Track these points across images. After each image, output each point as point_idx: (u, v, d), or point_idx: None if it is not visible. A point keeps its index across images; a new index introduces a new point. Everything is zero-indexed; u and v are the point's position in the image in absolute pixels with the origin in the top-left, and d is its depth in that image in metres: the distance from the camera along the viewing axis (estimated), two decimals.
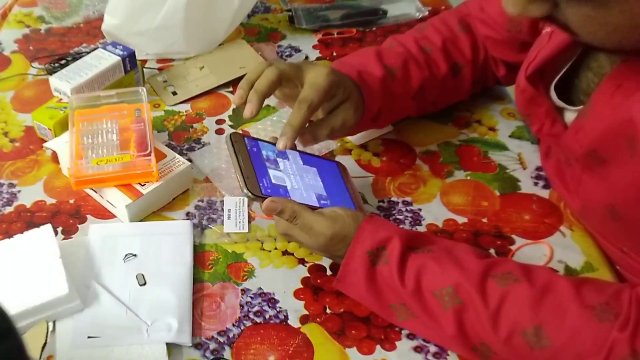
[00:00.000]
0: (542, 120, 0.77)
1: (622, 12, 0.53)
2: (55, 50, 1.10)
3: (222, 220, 0.80)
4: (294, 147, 0.80)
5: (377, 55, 0.86)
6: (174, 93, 1.01)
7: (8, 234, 0.78)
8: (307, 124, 0.75)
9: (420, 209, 0.83)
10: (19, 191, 0.85)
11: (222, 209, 0.82)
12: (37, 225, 0.75)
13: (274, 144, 0.76)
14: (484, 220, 0.82)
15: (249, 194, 0.68)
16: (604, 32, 0.57)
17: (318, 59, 1.08)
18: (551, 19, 0.58)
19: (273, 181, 0.72)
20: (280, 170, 0.74)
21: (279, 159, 0.75)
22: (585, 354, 0.59)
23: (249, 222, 0.80)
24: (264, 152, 0.74)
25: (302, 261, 0.76)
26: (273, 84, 0.74)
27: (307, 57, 1.09)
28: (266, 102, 0.99)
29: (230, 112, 0.98)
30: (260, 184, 0.70)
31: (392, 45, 0.89)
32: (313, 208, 0.72)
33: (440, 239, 0.71)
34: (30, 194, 0.84)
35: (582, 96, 0.74)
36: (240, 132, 0.77)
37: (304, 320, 0.70)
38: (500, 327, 0.61)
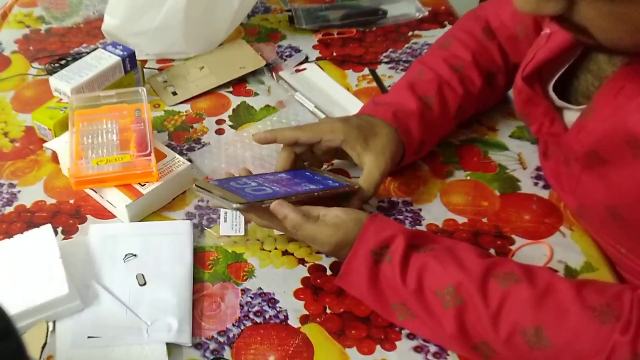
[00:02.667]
0: (540, 120, 0.77)
1: None
2: (55, 50, 1.10)
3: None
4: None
5: (410, 88, 0.85)
6: (174, 93, 1.01)
7: (8, 234, 0.78)
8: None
9: (420, 209, 0.83)
10: (19, 191, 0.85)
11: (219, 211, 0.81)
12: (37, 225, 0.75)
13: (237, 177, 0.77)
14: (484, 220, 0.82)
15: (239, 206, 0.68)
16: (623, 31, 0.54)
17: (318, 59, 1.08)
18: (564, 18, 0.56)
19: (254, 193, 0.71)
20: (254, 186, 0.73)
21: (249, 181, 0.75)
22: (585, 355, 0.59)
23: (245, 225, 0.80)
24: (232, 183, 0.74)
25: (302, 261, 0.76)
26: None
27: (307, 57, 1.09)
28: (266, 101, 1.00)
29: (230, 112, 0.98)
30: (243, 195, 0.70)
31: (421, 72, 0.88)
32: (308, 197, 0.72)
33: (443, 238, 0.71)
34: (30, 194, 0.84)
35: (581, 98, 0.74)
36: (203, 179, 0.78)
37: (304, 320, 0.70)
38: (501, 327, 0.61)
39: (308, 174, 0.80)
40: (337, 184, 0.77)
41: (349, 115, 0.83)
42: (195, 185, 0.73)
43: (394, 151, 0.79)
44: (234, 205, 0.68)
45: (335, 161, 0.88)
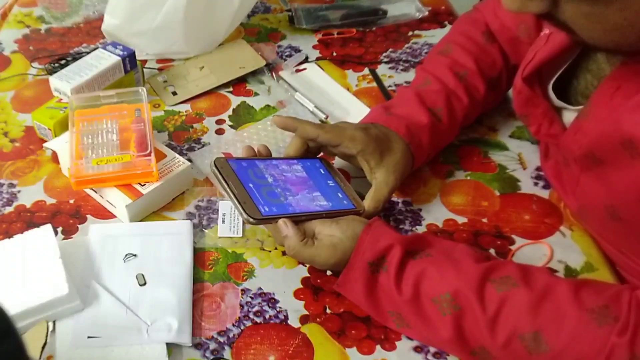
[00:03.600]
0: (539, 121, 0.77)
1: (621, 9, 0.53)
2: (55, 50, 1.10)
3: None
4: (269, 155, 0.80)
5: (419, 98, 0.85)
6: (174, 93, 1.01)
7: (8, 234, 0.78)
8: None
9: (420, 209, 0.83)
10: (19, 191, 0.85)
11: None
12: (37, 225, 0.75)
13: (254, 159, 0.76)
14: (484, 220, 0.82)
15: (251, 220, 0.68)
16: (602, 31, 0.56)
17: (318, 59, 1.08)
18: (549, 16, 0.58)
19: (269, 200, 0.71)
20: (270, 185, 0.73)
21: (266, 174, 0.75)
22: (584, 358, 0.59)
23: (243, 226, 0.80)
24: (249, 171, 0.73)
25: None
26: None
27: (307, 57, 1.09)
28: (266, 101, 1.00)
29: (230, 112, 0.98)
30: (259, 207, 0.69)
31: (427, 81, 0.88)
32: (312, 216, 0.72)
33: (440, 240, 0.71)
34: (30, 194, 0.84)
35: (580, 98, 0.74)
36: (222, 155, 0.76)
37: (304, 320, 0.70)
38: (499, 332, 0.61)
39: (322, 171, 0.80)
40: (345, 203, 0.76)
41: (368, 124, 0.81)
42: (214, 162, 0.71)
43: (405, 166, 0.79)
44: (244, 216, 0.68)
45: (337, 160, 0.88)
